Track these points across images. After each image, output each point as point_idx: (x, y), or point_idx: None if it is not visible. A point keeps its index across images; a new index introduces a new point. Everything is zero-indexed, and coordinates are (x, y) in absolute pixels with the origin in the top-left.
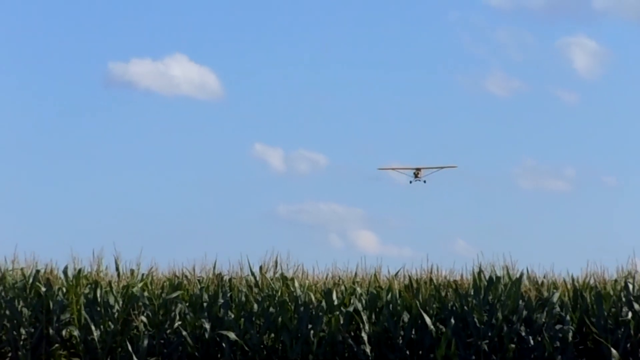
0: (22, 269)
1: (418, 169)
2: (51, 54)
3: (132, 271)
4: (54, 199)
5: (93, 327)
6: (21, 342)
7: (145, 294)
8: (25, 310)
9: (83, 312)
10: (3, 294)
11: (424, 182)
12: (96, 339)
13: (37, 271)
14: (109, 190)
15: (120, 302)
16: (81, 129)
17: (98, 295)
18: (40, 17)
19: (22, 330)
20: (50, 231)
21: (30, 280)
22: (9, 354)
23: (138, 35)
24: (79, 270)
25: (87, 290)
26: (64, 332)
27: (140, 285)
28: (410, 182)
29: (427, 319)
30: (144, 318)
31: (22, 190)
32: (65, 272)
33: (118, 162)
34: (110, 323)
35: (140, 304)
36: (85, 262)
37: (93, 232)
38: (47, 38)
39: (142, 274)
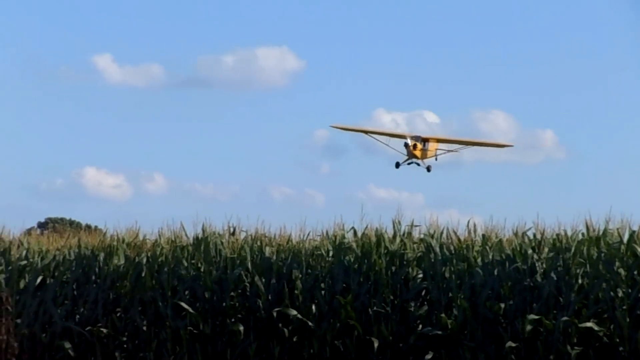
0: (617, 230)
1: (418, 140)
2: None
3: None
4: None
5: None
6: (617, 303)
7: None
8: (621, 270)
9: None
10: (603, 254)
11: (428, 169)
12: None
13: (633, 232)
14: None
15: None
16: None
17: None
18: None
19: (619, 291)
20: None
21: (625, 239)
22: (605, 315)
23: None
24: None
25: None
26: None
27: None
28: (398, 164)
29: None
30: None
31: None
32: None
33: None
34: None
35: None
36: None
37: None
38: None
39: None
